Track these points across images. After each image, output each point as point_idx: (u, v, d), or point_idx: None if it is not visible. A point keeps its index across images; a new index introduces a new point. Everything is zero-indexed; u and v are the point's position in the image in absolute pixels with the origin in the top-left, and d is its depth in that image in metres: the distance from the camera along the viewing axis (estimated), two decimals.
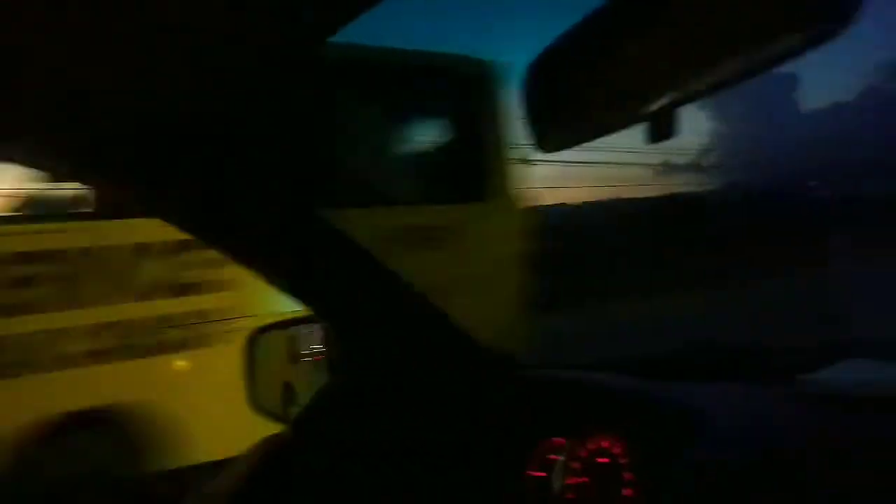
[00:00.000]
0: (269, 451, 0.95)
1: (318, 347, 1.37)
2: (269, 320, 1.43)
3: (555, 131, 0.63)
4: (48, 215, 4.05)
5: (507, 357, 1.23)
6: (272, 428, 1.29)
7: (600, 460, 1.00)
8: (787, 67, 0.49)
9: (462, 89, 4.86)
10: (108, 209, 3.73)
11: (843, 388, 1.00)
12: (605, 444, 1.00)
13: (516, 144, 4.84)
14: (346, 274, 1.16)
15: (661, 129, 0.52)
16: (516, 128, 4.61)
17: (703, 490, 0.86)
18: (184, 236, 0.93)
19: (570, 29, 0.56)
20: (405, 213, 4.39)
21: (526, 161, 5.33)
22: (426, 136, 5.05)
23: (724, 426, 0.95)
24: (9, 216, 3.97)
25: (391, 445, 1.02)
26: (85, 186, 3.40)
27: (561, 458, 1.02)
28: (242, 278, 3.68)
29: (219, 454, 3.19)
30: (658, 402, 1.06)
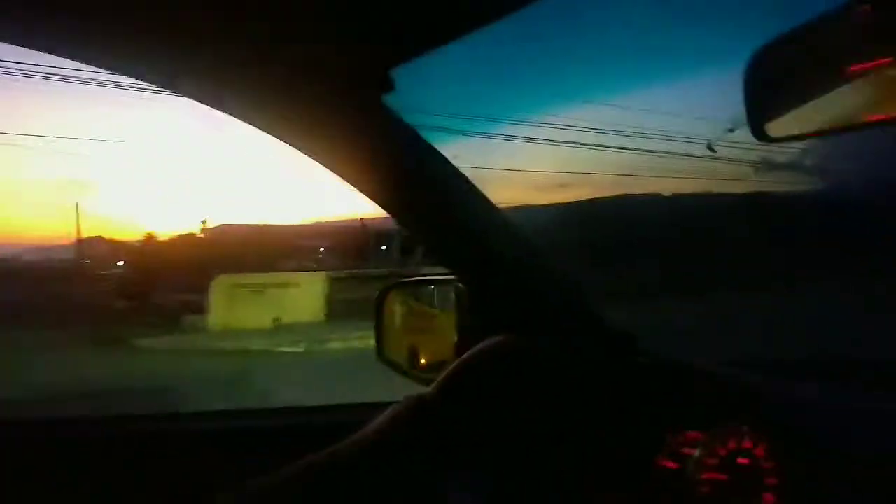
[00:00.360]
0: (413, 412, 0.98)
1: (447, 308, 1.39)
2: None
3: (774, 122, 0.60)
4: None
5: (634, 341, 1.21)
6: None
7: (741, 460, 0.97)
8: None
9: None
10: None
11: None
12: (747, 443, 0.97)
13: None
14: (487, 243, 1.18)
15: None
16: None
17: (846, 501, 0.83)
18: None
19: (798, 26, 0.53)
20: None
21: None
22: None
23: (872, 438, 0.91)
24: None
25: (524, 425, 1.02)
26: None
27: (696, 451, 1.00)
28: None
29: None
30: (805, 405, 1.02)
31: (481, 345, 1.05)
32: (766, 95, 0.58)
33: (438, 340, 1.37)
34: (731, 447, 0.98)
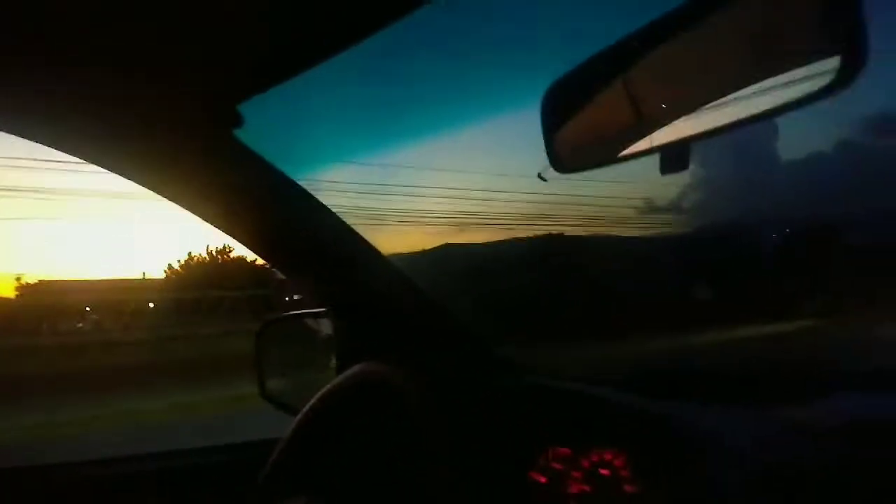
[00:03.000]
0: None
1: (326, 341, 1.38)
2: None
3: (568, 154, 0.63)
4: None
5: (511, 362, 1.24)
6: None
7: (602, 471, 1.00)
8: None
9: None
10: None
11: (841, 418, 1.00)
12: (607, 456, 1.01)
13: None
14: (355, 273, 1.18)
15: (674, 161, 0.52)
16: None
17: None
18: None
19: (589, 58, 0.56)
20: None
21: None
22: None
23: (724, 447, 0.96)
24: None
25: (397, 442, 1.03)
26: None
27: (564, 466, 1.03)
28: None
29: None
30: (661, 419, 1.06)
31: (344, 374, 1.05)
32: (561, 129, 0.62)
33: (317, 373, 1.36)
34: (593, 460, 1.02)
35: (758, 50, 0.48)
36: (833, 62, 0.44)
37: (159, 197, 1.07)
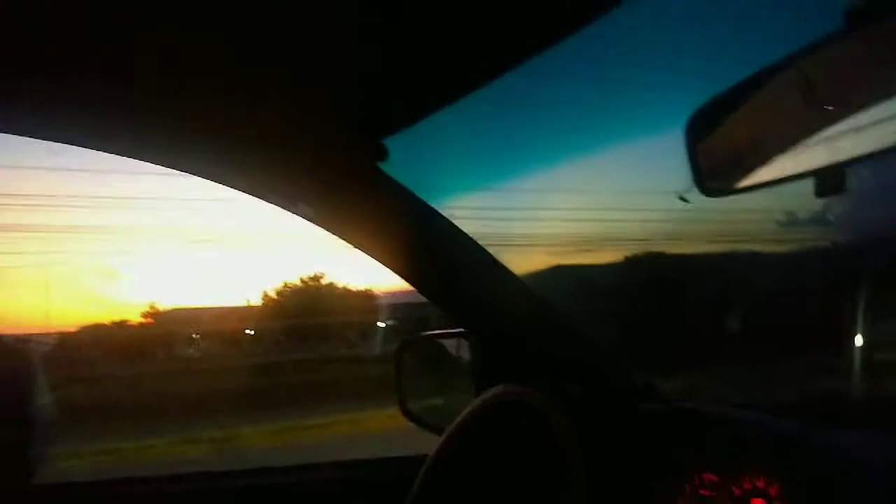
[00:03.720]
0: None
1: (461, 361, 1.42)
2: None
3: (717, 176, 0.63)
4: None
5: (652, 387, 1.22)
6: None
7: (755, 501, 0.96)
8: None
9: None
10: None
11: None
12: (760, 484, 0.97)
13: None
14: (494, 296, 1.21)
15: (830, 184, 0.51)
16: None
17: None
18: None
19: (738, 83, 0.56)
20: None
21: None
22: None
23: (880, 476, 0.90)
24: None
25: (538, 464, 1.04)
26: None
27: (713, 493, 1.00)
28: None
29: None
30: (815, 446, 1.01)
31: (481, 398, 1.08)
32: (709, 152, 0.61)
33: (454, 393, 1.40)
34: (746, 487, 0.98)
35: None
36: None
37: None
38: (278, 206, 1.15)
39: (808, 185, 0.54)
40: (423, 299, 1.25)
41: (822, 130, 0.52)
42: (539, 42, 0.86)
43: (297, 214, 1.16)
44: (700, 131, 0.61)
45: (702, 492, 1.02)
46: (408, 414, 1.43)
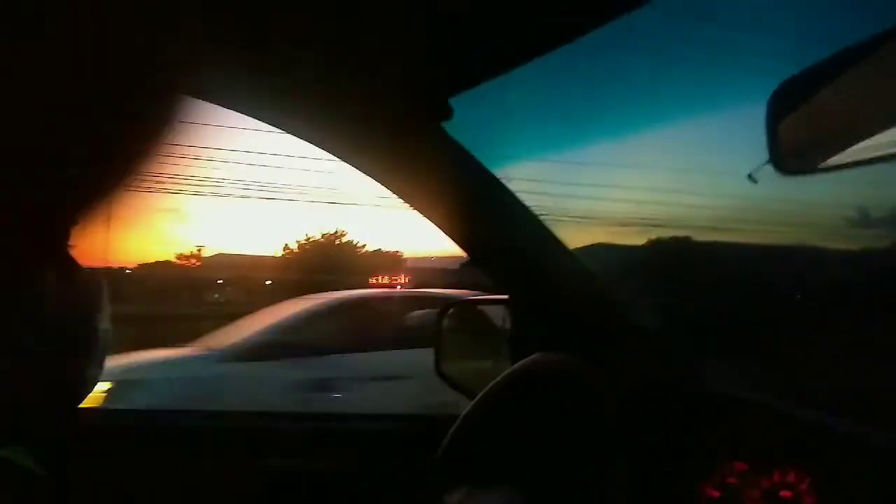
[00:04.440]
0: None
1: (501, 328, 1.43)
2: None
3: (795, 156, 0.62)
4: None
5: (693, 368, 1.21)
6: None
7: (784, 494, 0.96)
8: None
9: None
10: None
11: None
12: (791, 478, 0.96)
13: None
14: (541, 265, 1.22)
15: None
16: None
17: None
18: None
19: (827, 57, 0.55)
20: None
21: None
22: None
23: None
24: None
25: (574, 432, 1.05)
26: None
27: (740, 482, 1.00)
28: None
29: None
30: (853, 440, 1.00)
31: (520, 363, 1.09)
32: (790, 128, 0.60)
33: (493, 357, 1.41)
34: (775, 480, 0.97)
35: None
36: None
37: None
38: (339, 156, 1.17)
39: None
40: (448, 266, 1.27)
41: None
42: (606, 12, 0.85)
43: (355, 167, 1.17)
44: (783, 106, 0.60)
45: (729, 479, 1.02)
46: (442, 376, 1.45)
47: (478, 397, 1.16)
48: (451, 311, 1.52)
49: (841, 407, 1.12)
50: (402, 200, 1.18)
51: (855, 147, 0.57)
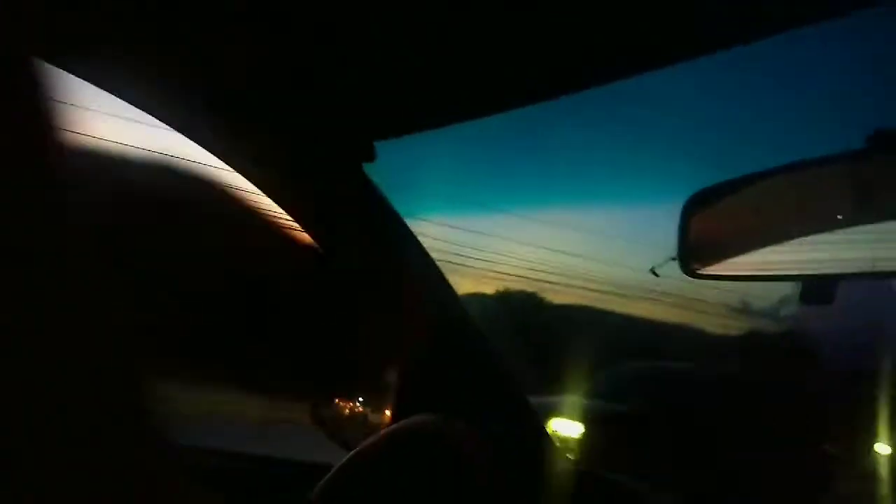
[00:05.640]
0: None
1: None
2: None
3: (703, 263, 0.64)
4: None
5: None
6: None
7: None
8: None
9: None
10: None
11: None
12: None
13: None
14: (439, 325, 1.21)
15: (817, 293, 0.53)
16: None
17: None
18: None
19: (742, 176, 0.58)
20: None
21: None
22: None
23: None
24: None
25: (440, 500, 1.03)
26: None
27: None
28: None
29: None
30: None
31: (402, 422, 1.06)
32: (699, 235, 0.63)
33: (374, 411, 1.37)
34: None
35: None
36: None
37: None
38: (243, 173, 1.12)
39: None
40: None
41: (819, 237, 0.54)
42: (544, 90, 0.87)
43: (259, 187, 1.12)
44: (697, 211, 0.63)
45: None
46: (317, 417, 1.39)
47: (354, 451, 1.12)
48: None
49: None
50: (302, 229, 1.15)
51: (757, 261, 0.60)
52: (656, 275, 0.72)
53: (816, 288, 0.53)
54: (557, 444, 1.25)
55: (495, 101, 0.88)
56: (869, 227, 0.53)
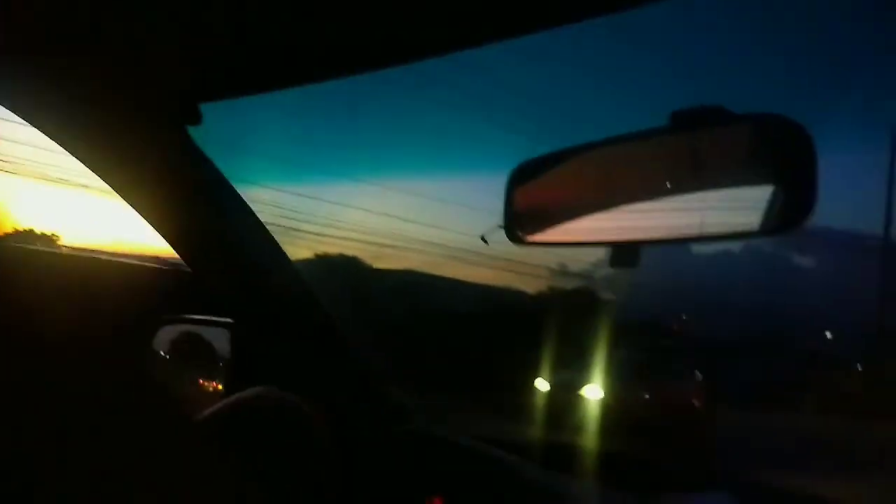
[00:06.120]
0: None
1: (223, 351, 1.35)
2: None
3: (526, 229, 0.68)
4: None
5: (405, 407, 1.26)
6: None
7: None
8: None
9: None
10: None
11: None
12: None
13: None
14: (273, 293, 1.17)
15: (625, 256, 0.58)
16: None
17: None
18: None
19: (564, 148, 0.62)
20: None
21: None
22: None
23: None
24: None
25: (283, 470, 1.02)
26: None
27: None
28: None
29: None
30: (543, 487, 1.12)
31: (238, 395, 1.03)
32: (523, 203, 0.67)
33: (212, 381, 1.32)
34: None
35: (722, 178, 0.56)
36: (785, 205, 0.52)
37: None
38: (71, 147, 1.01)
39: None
40: None
41: (629, 207, 0.59)
42: (392, 57, 0.86)
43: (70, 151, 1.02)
44: (520, 182, 0.67)
45: None
46: None
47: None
48: (164, 330, 1.39)
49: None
50: (119, 195, 1.06)
51: (575, 228, 0.65)
52: (486, 242, 0.75)
53: (624, 252, 0.59)
54: (412, 407, 1.28)
55: (325, 66, 0.86)
56: (670, 197, 0.59)
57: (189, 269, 1.20)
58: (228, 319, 1.26)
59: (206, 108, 1.00)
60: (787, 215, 0.51)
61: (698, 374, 10.54)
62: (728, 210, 0.54)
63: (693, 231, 0.56)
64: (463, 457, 1.17)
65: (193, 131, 1.03)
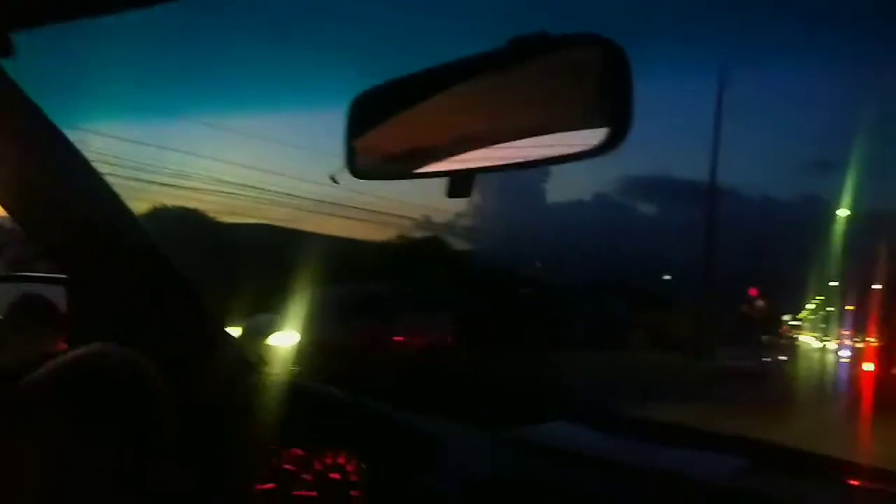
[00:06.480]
0: None
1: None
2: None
3: (368, 162, 0.67)
4: None
5: (255, 359, 1.23)
6: None
7: (332, 476, 1.03)
8: None
9: None
10: None
11: (553, 442, 1.17)
12: (340, 460, 1.04)
13: None
14: (108, 242, 1.09)
15: (460, 187, 0.59)
16: None
17: None
18: None
19: (400, 77, 0.62)
20: None
21: None
22: None
23: (453, 460, 1.06)
24: None
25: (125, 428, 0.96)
26: None
27: (297, 468, 1.04)
28: None
29: None
30: (398, 427, 1.13)
31: (74, 352, 0.96)
32: (363, 137, 0.66)
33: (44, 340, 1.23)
34: (327, 462, 1.05)
35: (544, 106, 0.57)
36: (602, 130, 0.54)
37: None
38: None
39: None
40: None
41: (463, 136, 0.60)
42: None
43: None
44: (359, 116, 0.65)
45: (285, 466, 1.06)
46: None
47: (14, 385, 0.98)
48: None
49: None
50: None
51: (415, 160, 0.65)
52: (336, 182, 0.73)
53: (458, 183, 0.60)
54: (268, 359, 1.25)
55: None
56: (510, 123, 0.60)
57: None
58: (62, 276, 1.17)
59: (20, 39, 0.90)
60: (612, 135, 0.54)
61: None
62: (558, 135, 0.55)
63: (525, 157, 0.57)
64: (320, 404, 1.17)
65: (7, 65, 0.93)
